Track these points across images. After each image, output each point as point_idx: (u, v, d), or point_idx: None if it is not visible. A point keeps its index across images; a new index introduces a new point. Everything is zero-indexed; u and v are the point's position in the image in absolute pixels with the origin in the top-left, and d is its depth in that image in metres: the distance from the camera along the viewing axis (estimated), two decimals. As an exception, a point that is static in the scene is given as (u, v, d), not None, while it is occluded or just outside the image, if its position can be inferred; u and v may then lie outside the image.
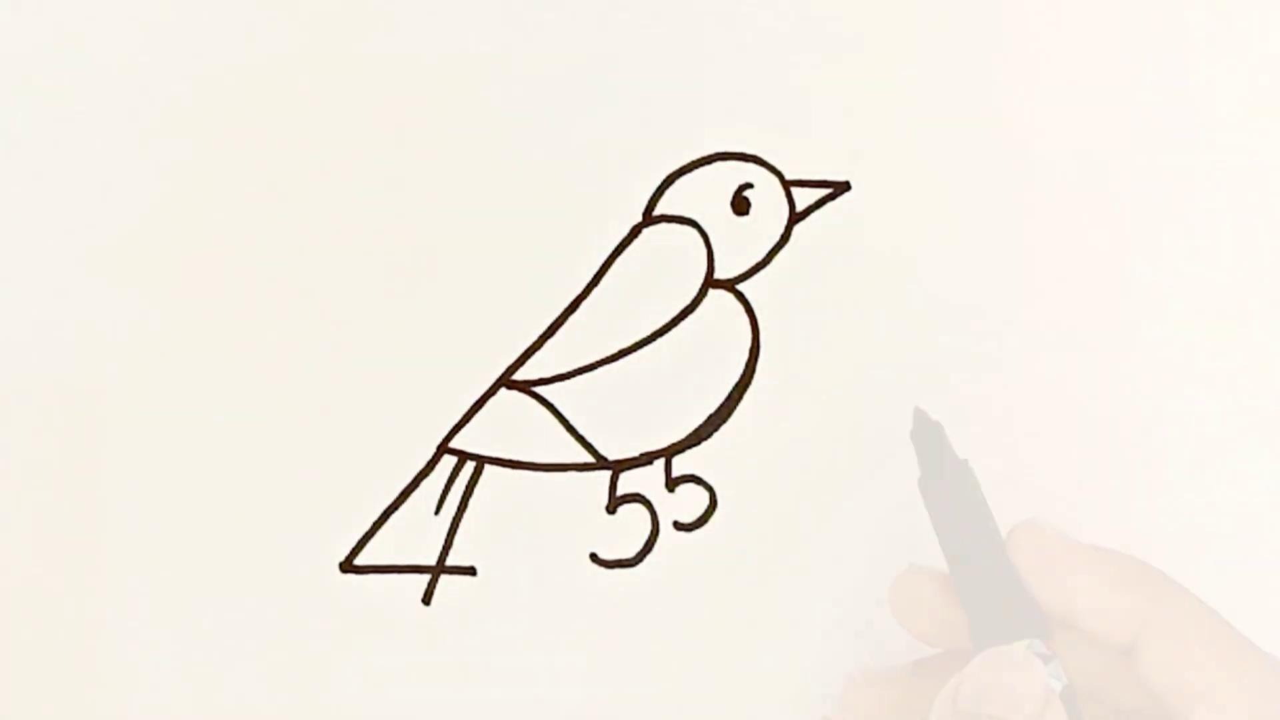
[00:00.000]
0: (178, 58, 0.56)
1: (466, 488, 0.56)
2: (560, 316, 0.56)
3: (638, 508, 0.56)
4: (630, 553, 0.56)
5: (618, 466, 0.55)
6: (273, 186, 0.56)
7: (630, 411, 0.56)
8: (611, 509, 0.56)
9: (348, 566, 0.56)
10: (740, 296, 0.56)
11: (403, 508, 0.56)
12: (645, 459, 0.56)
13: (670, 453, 0.56)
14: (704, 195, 0.56)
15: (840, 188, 0.56)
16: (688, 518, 0.56)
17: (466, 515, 0.56)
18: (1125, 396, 0.55)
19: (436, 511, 0.56)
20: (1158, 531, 0.55)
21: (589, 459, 0.56)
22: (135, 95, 0.56)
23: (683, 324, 0.56)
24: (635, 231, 0.56)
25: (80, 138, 0.56)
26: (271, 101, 0.56)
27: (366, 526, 0.56)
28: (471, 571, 0.56)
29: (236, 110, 0.56)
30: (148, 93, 0.56)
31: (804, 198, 0.56)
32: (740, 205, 0.56)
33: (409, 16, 0.56)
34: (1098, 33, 0.56)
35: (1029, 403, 0.56)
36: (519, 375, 0.56)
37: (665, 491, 0.56)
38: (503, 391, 0.56)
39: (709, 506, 0.56)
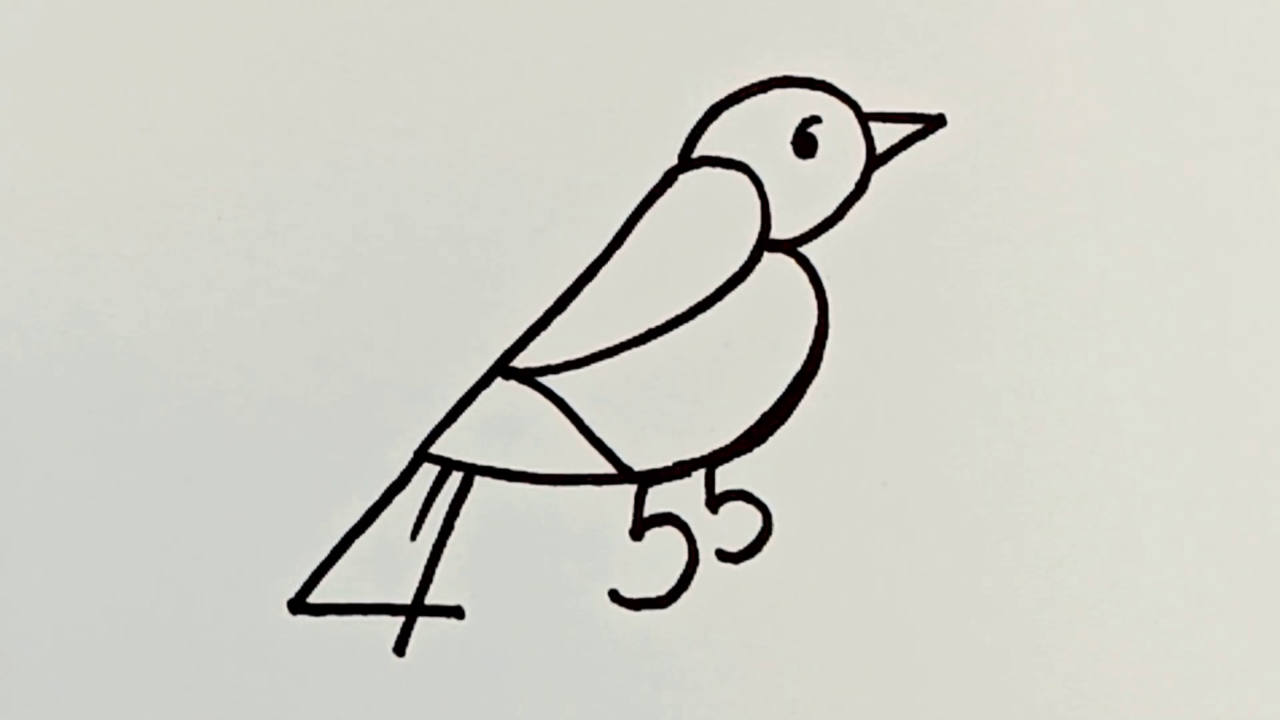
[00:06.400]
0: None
1: (452, 505, 0.55)
2: (572, 286, 0.54)
3: (670, 532, 0.55)
4: (661, 590, 0.54)
5: (645, 479, 0.54)
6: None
7: (661, 409, 0.54)
8: (637, 534, 0.55)
9: (299, 606, 0.55)
10: (803, 262, 0.54)
11: (370, 531, 0.55)
12: (680, 470, 0.54)
13: (712, 462, 0.54)
14: (758, 131, 0.55)
15: (932, 123, 0.54)
16: (734, 545, 0.54)
17: (451, 540, 0.55)
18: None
19: (414, 536, 0.55)
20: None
21: (608, 469, 0.54)
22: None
23: (729, 296, 0.54)
24: (669, 177, 0.54)
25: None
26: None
27: (324, 555, 0.55)
28: (458, 613, 0.55)
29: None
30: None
31: (886, 136, 0.55)
32: (804, 145, 0.54)
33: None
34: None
35: (1163, 395, 0.54)
36: (519, 361, 0.55)
37: (706, 511, 0.55)
38: (498, 382, 0.55)
39: (761, 531, 0.54)
